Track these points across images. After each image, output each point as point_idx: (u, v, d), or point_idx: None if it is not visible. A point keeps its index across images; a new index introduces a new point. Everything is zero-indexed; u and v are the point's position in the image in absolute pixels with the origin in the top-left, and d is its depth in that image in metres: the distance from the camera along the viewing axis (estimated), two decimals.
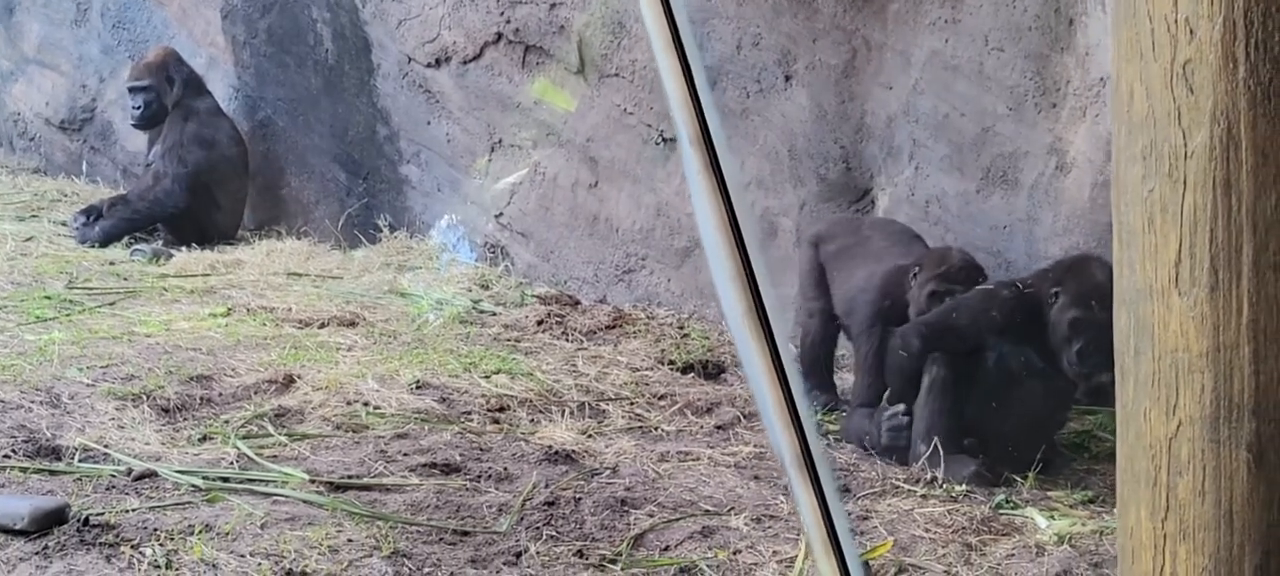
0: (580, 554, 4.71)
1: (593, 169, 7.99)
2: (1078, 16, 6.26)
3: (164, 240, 9.22)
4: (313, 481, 5.20)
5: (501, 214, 8.39)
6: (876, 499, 5.32)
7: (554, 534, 4.87)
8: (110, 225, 9.10)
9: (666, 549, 4.80)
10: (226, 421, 5.79)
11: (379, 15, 8.83)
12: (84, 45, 10.71)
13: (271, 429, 5.74)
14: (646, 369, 6.79)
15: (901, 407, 5.70)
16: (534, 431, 5.89)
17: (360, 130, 9.07)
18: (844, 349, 6.61)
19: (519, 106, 8.27)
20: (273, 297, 7.71)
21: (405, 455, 5.52)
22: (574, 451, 5.64)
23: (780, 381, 2.29)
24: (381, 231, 8.89)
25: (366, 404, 6.05)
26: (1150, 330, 2.60)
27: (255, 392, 6.12)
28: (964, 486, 5.39)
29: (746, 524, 4.99)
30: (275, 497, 5.04)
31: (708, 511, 5.11)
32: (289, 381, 6.23)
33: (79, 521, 4.61)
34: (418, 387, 6.27)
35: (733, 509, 5.13)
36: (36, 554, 4.45)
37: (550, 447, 5.66)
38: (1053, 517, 5.14)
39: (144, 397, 5.93)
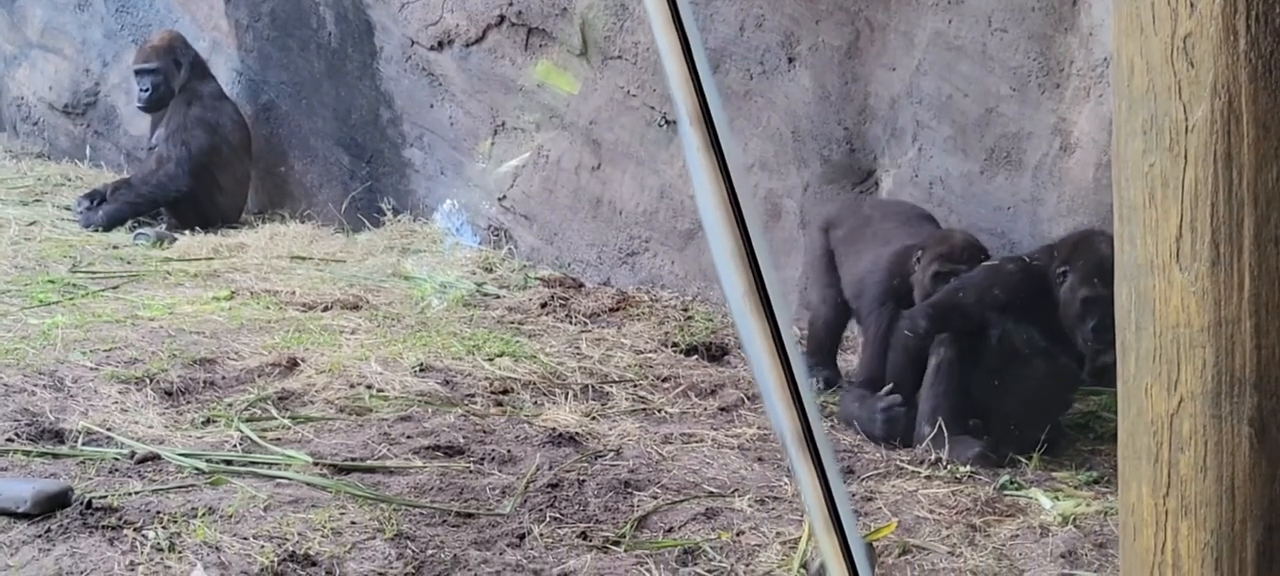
0: (584, 535, 4.72)
1: (596, 151, 7.98)
2: None
3: (167, 224, 9.22)
4: (316, 464, 5.20)
5: (505, 197, 8.39)
6: (880, 480, 5.32)
7: (557, 516, 4.87)
8: (114, 209, 9.10)
9: (670, 530, 4.80)
10: (230, 404, 5.79)
11: None
12: (87, 29, 10.70)
13: (275, 412, 5.74)
14: (650, 351, 6.79)
15: (898, 398, 5.69)
16: (537, 414, 5.89)
17: (363, 114, 9.06)
18: (852, 330, 6.60)
19: (522, 89, 8.26)
20: (276, 281, 7.71)
21: (408, 438, 5.52)
22: (577, 433, 5.64)
23: (781, 361, 2.28)
24: (385, 215, 8.88)
25: (370, 387, 6.05)
26: (1151, 305, 2.59)
27: (258, 376, 6.12)
28: (968, 467, 5.38)
29: (750, 505, 4.99)
30: (278, 480, 5.04)
31: (711, 493, 5.10)
32: (292, 364, 6.23)
33: (82, 504, 4.61)
34: (421, 370, 6.27)
35: (736, 490, 5.13)
36: (39, 537, 4.45)
37: (554, 430, 5.66)
38: (1057, 498, 5.13)
39: (147, 381, 5.93)
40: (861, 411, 5.79)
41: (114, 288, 7.56)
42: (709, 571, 4.49)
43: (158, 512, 4.64)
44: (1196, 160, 2.51)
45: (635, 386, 6.31)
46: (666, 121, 7.66)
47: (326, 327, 6.88)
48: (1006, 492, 5.22)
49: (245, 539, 4.49)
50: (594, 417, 5.89)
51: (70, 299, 7.24)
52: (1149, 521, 2.63)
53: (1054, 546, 4.73)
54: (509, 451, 5.43)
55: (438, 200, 8.76)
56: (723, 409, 6.09)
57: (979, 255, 5.87)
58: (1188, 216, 2.53)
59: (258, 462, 5.20)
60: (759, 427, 5.83)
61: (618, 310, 7.41)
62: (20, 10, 11.13)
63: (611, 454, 5.47)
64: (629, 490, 5.08)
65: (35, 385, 5.79)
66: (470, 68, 8.44)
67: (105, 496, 4.73)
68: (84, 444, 5.29)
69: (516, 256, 8.32)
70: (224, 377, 6.09)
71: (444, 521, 4.78)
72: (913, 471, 5.40)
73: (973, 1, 6.57)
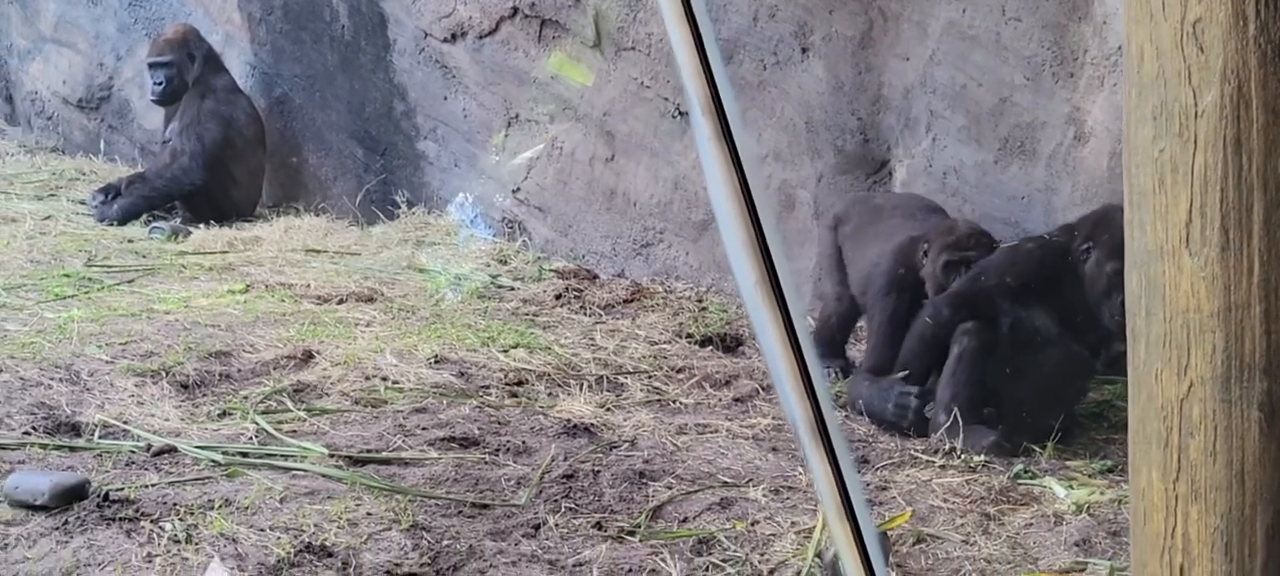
0: (599, 526, 4.72)
1: (610, 143, 7.99)
2: None
3: (182, 217, 9.25)
4: (332, 456, 5.21)
5: (519, 189, 8.40)
6: (894, 469, 5.32)
7: (572, 506, 4.88)
8: (128, 203, 9.13)
9: (685, 520, 4.81)
10: (245, 397, 5.80)
11: None
12: (101, 23, 10.73)
13: (290, 404, 5.76)
14: (664, 342, 6.79)
15: (915, 389, 5.69)
16: (552, 405, 5.90)
17: (377, 106, 9.08)
18: (861, 325, 6.61)
19: (535, 81, 8.26)
20: (291, 274, 7.73)
21: (424, 429, 5.53)
22: (592, 424, 5.65)
23: (794, 349, 2.29)
24: (399, 207, 8.90)
25: (385, 378, 6.06)
26: (1161, 291, 2.59)
27: (274, 368, 6.13)
28: (982, 456, 5.38)
29: (764, 495, 4.99)
30: (294, 472, 5.05)
31: (726, 483, 5.11)
32: (308, 357, 6.24)
33: (99, 497, 4.63)
34: (436, 362, 6.28)
35: (751, 480, 5.13)
36: (57, 529, 4.47)
37: (568, 421, 5.67)
38: (1071, 487, 5.13)
39: (163, 374, 5.95)
40: (870, 393, 5.79)
41: (129, 281, 7.59)
42: (724, 561, 4.49)
43: (174, 504, 4.65)
44: (1206, 145, 2.52)
45: (650, 377, 6.31)
46: (680, 112, 7.67)
47: (341, 320, 6.89)
48: (1020, 481, 5.21)
49: (261, 530, 4.50)
50: (609, 408, 5.90)
51: (86, 293, 7.26)
52: (1159, 506, 2.63)
53: (1068, 535, 4.72)
54: (524, 442, 5.44)
55: (452, 192, 8.77)
56: (737, 399, 6.10)
57: (986, 242, 5.87)
58: (1197, 202, 2.54)
59: (273, 454, 5.22)
60: (773, 418, 5.83)
61: (632, 301, 7.41)
62: (34, 5, 11.16)
63: (626, 444, 5.47)
64: (644, 480, 5.09)
65: (52, 379, 5.81)
66: (484, 60, 8.45)
67: (122, 489, 4.75)
68: (101, 437, 5.31)
69: (531, 248, 8.33)
70: (239, 370, 6.11)
71: (460, 512, 4.79)
72: (927, 460, 5.40)
73: None
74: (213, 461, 5.10)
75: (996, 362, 5.61)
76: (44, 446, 5.18)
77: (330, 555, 4.38)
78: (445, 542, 4.54)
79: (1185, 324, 2.57)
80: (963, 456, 5.39)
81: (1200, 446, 2.57)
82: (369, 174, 9.16)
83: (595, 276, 7.87)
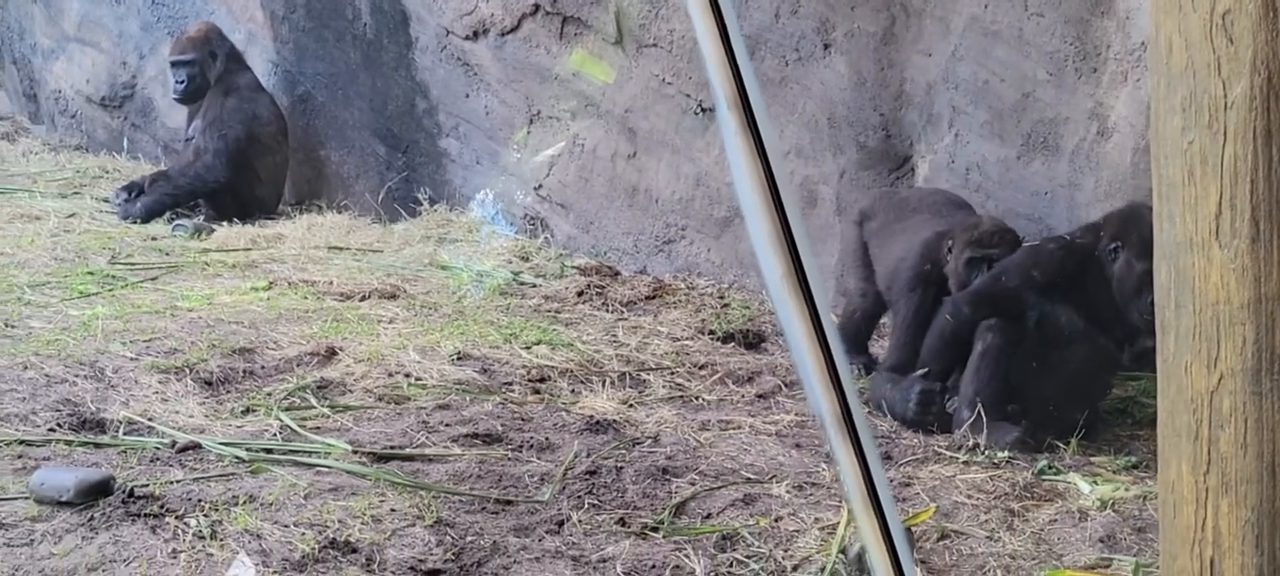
0: (622, 522, 4.72)
1: (631, 140, 7.98)
2: None
3: (205, 215, 9.27)
4: (355, 452, 5.22)
5: (541, 186, 8.40)
6: (918, 465, 5.31)
7: (596, 502, 4.87)
8: (152, 201, 9.15)
9: (708, 516, 4.80)
10: (269, 394, 5.81)
11: None
12: (124, 22, 10.75)
13: (314, 401, 5.77)
14: (687, 338, 6.79)
15: (937, 386, 5.68)
16: (575, 401, 5.90)
17: (399, 104, 9.08)
18: (884, 318, 6.60)
19: (557, 78, 8.26)
20: (314, 271, 7.75)
21: (447, 426, 5.54)
22: (615, 421, 5.65)
23: (820, 343, 2.28)
24: (421, 205, 8.90)
25: (408, 375, 6.07)
26: (1191, 283, 2.58)
27: (297, 365, 6.14)
28: (1006, 453, 5.37)
29: (788, 491, 4.98)
30: (318, 468, 5.06)
31: (749, 479, 5.10)
32: (331, 354, 6.25)
33: (124, 493, 4.63)
34: (459, 359, 6.29)
35: (774, 477, 5.13)
36: (82, 525, 4.48)
37: (591, 417, 5.67)
38: (1096, 483, 5.12)
39: (187, 371, 5.96)
40: (893, 393, 5.78)
41: (153, 279, 7.60)
42: (747, 557, 4.49)
43: (199, 501, 4.66)
44: (1236, 137, 2.51)
45: (672, 374, 6.31)
46: (702, 109, 7.66)
47: (364, 317, 6.90)
48: (1045, 477, 5.20)
49: (286, 526, 4.51)
50: (631, 405, 5.89)
51: (110, 290, 7.28)
52: (1189, 499, 2.62)
53: (1092, 531, 4.71)
54: (547, 438, 5.44)
55: (474, 189, 8.78)
56: (760, 395, 6.09)
57: (1010, 239, 5.85)
58: (1227, 193, 2.53)
59: (297, 451, 5.22)
60: (796, 414, 5.82)
61: (654, 298, 7.41)
62: (57, 4, 11.19)
63: (649, 441, 5.47)
64: (667, 476, 5.09)
65: (76, 375, 5.83)
66: (505, 57, 8.45)
67: (147, 485, 4.76)
68: (125, 433, 5.32)
69: (553, 245, 8.33)
70: (263, 367, 6.12)
71: (483, 508, 4.79)
72: (950, 457, 5.39)
73: None
74: (237, 458, 5.11)
75: (1021, 358, 5.60)
76: (69, 443, 5.19)
77: (354, 551, 4.39)
78: (469, 539, 4.54)
79: (1215, 316, 2.55)
80: (986, 452, 5.38)
81: (1230, 439, 2.56)
82: (391, 171, 9.17)
83: (617, 273, 7.87)
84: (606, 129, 8.08)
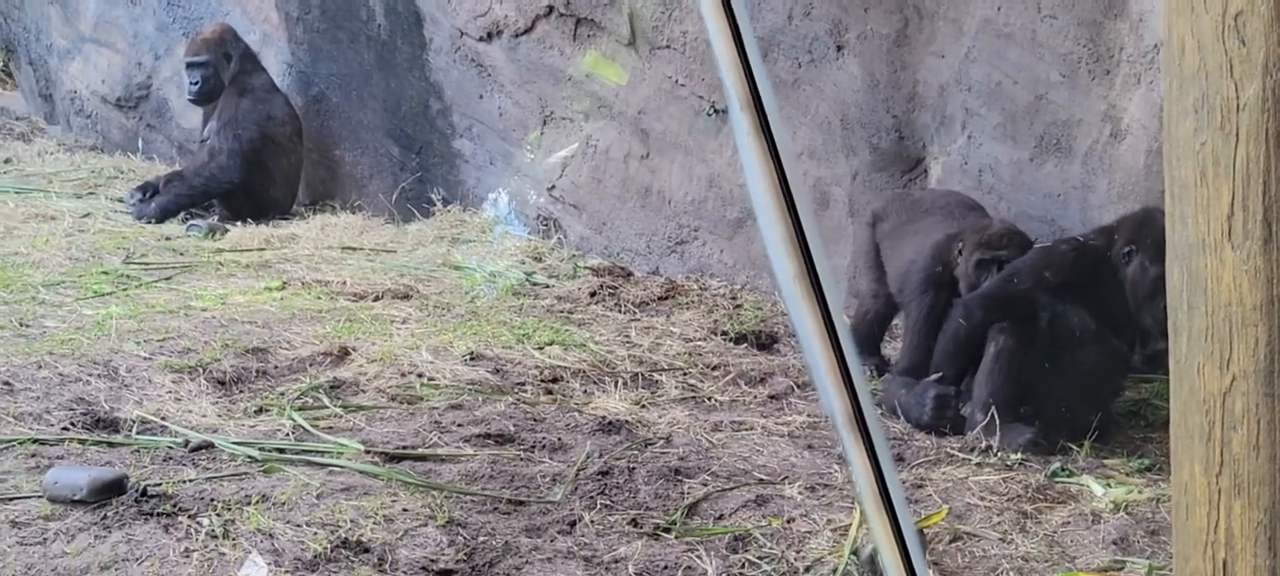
0: (634, 523, 4.73)
1: (644, 141, 7.99)
2: None
3: (219, 215, 9.29)
4: (368, 452, 5.22)
5: (554, 187, 8.41)
6: (930, 467, 5.31)
7: (608, 503, 4.88)
8: (166, 201, 9.17)
9: (720, 517, 4.81)
10: (282, 393, 5.82)
11: None
12: (139, 23, 10.77)
13: (327, 400, 5.77)
14: (699, 339, 6.79)
15: (950, 389, 5.68)
16: (587, 402, 5.91)
17: (413, 105, 9.09)
18: (897, 320, 6.59)
19: (570, 79, 8.27)
20: (327, 271, 7.76)
21: (459, 426, 5.55)
22: (627, 421, 5.65)
23: (833, 344, 2.28)
24: (435, 205, 8.91)
25: (421, 375, 6.07)
26: (1203, 284, 2.58)
27: (310, 365, 6.15)
28: (1019, 455, 5.36)
29: (800, 492, 4.99)
30: (331, 468, 5.07)
31: (761, 480, 5.11)
32: (344, 354, 6.26)
33: (137, 492, 4.64)
34: (471, 359, 6.30)
35: (786, 478, 5.13)
36: (96, 524, 4.49)
37: (604, 418, 5.67)
38: (1109, 485, 5.11)
39: (200, 370, 5.98)
40: (907, 397, 5.78)
41: (167, 278, 7.62)
42: (759, 558, 4.49)
43: (212, 500, 4.67)
44: (1248, 138, 2.51)
45: (685, 374, 6.31)
46: (715, 110, 7.66)
47: (377, 317, 6.91)
48: (1057, 480, 5.20)
49: (298, 526, 4.52)
50: (644, 405, 5.90)
51: (124, 290, 7.30)
52: (1202, 500, 2.62)
53: (1106, 533, 4.71)
54: (559, 439, 5.45)
55: (487, 190, 8.78)
56: (772, 397, 6.09)
57: (1019, 242, 5.84)
58: (1239, 195, 2.53)
59: (310, 451, 5.23)
60: (809, 415, 5.83)
61: (667, 299, 7.41)
62: (73, 4, 11.22)
63: (661, 441, 5.47)
64: (679, 477, 5.09)
65: (90, 375, 5.84)
66: (519, 58, 8.46)
67: (160, 484, 4.77)
68: (139, 432, 5.34)
69: (565, 246, 8.33)
70: (276, 367, 6.13)
71: (495, 508, 4.80)
72: (963, 458, 5.39)
73: None
74: (249, 457, 5.12)
75: (1033, 360, 5.59)
76: (82, 442, 5.21)
77: (367, 551, 4.39)
78: (481, 539, 4.55)
79: (1227, 317, 2.55)
80: (999, 454, 5.37)
81: (1243, 440, 2.56)
82: (405, 172, 9.18)
83: (630, 274, 7.88)
84: (619, 130, 8.09)
